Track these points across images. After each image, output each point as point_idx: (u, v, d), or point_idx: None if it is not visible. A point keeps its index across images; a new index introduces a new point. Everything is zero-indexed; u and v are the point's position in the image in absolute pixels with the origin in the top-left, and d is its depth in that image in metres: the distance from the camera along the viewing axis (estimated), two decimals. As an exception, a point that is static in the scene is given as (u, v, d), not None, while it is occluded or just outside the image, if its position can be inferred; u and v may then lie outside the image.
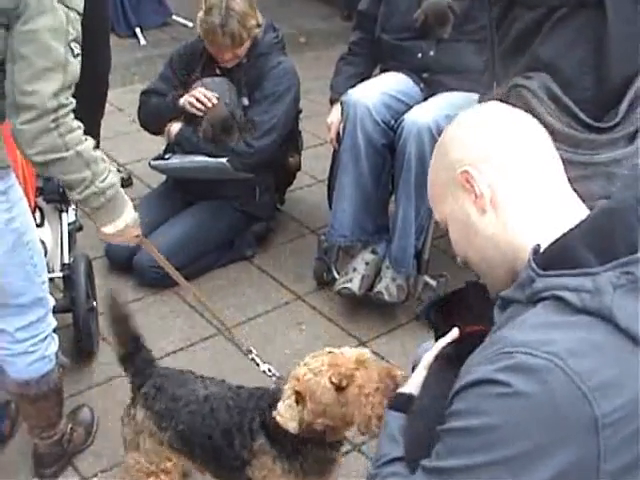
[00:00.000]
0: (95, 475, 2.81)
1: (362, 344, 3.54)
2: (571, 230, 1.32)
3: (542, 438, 1.17)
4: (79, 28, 2.06)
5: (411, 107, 3.46)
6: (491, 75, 2.38)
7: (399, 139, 3.36)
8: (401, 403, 1.67)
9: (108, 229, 2.38)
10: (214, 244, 4.00)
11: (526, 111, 1.47)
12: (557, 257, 1.29)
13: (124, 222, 2.39)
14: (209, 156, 3.82)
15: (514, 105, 1.56)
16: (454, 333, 1.70)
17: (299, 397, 2.00)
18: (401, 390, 1.72)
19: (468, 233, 1.48)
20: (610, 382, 1.17)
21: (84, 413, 3.00)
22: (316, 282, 3.95)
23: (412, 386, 1.69)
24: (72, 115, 2.10)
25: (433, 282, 3.63)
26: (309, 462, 2.15)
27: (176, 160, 3.91)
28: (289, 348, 3.51)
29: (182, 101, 3.82)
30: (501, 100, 2.02)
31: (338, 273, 3.79)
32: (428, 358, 1.69)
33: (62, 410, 2.78)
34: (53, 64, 2.01)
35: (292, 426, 2.00)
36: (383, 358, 3.44)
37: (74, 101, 2.10)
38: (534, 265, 1.30)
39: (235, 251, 4.11)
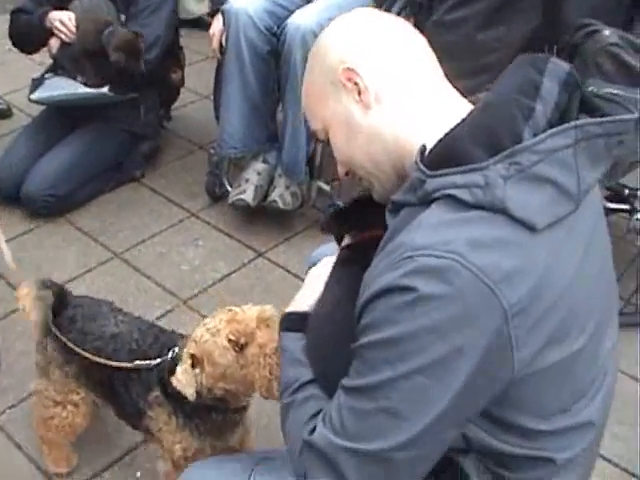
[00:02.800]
0: (3, 412, 2.77)
1: (260, 255, 3.57)
2: (455, 127, 1.32)
3: (456, 338, 1.19)
4: None
5: (293, 12, 3.41)
6: None
7: (283, 45, 3.32)
8: (295, 322, 1.62)
9: None
10: (102, 167, 3.92)
11: (618, 65, 1.45)
12: (444, 156, 1.29)
13: None
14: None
15: (603, 63, 1.55)
16: (347, 241, 1.68)
17: (196, 361, 1.90)
18: (290, 309, 1.67)
19: (352, 133, 1.46)
20: (513, 272, 1.19)
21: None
22: (209, 197, 3.93)
23: (303, 303, 1.66)
24: None
25: (327, 187, 3.67)
26: (207, 424, 2.08)
27: (56, 92, 3.78)
28: (187, 264, 3.52)
29: (48, 22, 3.71)
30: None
31: (230, 186, 3.78)
32: (320, 272, 1.68)
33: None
34: None
35: (189, 392, 1.90)
36: (282, 267, 3.49)
37: None
38: (422, 166, 1.30)
39: (124, 173, 4.05)
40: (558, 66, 1.35)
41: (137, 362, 2.08)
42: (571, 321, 1.29)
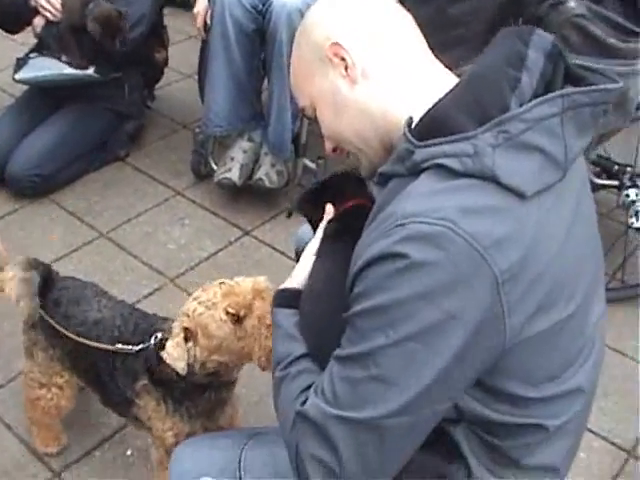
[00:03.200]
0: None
1: (246, 233, 3.58)
2: (443, 98, 1.33)
3: (447, 304, 1.19)
4: None
5: (279, -10, 3.40)
6: None
7: (269, 23, 3.30)
8: (288, 299, 1.61)
9: None
10: (87, 146, 3.91)
11: (584, 37, 1.44)
12: (433, 126, 1.30)
13: None
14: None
15: (569, 35, 1.53)
16: (330, 210, 1.69)
17: (189, 334, 1.89)
18: (283, 286, 1.65)
19: (339, 108, 1.47)
20: (503, 239, 1.20)
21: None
22: (194, 176, 3.93)
23: (297, 280, 1.64)
24: None
25: (312, 165, 3.67)
26: (197, 406, 2.07)
27: (41, 73, 3.75)
28: (173, 244, 3.52)
29: (33, 0, 3.67)
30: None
31: (216, 164, 3.77)
32: (311, 247, 1.66)
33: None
34: None
35: (180, 366, 1.88)
36: (269, 245, 3.50)
37: None
38: (410, 137, 1.30)
39: (108, 152, 4.04)
40: (542, 38, 1.36)
41: (119, 345, 2.08)
42: (560, 287, 1.30)
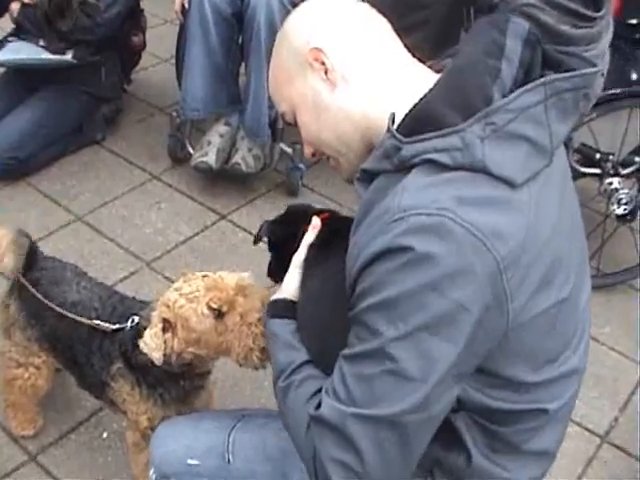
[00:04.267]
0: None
1: (222, 217, 3.59)
2: (427, 94, 1.34)
3: (455, 293, 1.21)
4: None
5: (258, -26, 3.40)
6: None
7: (247, 8, 3.31)
8: (282, 309, 1.62)
9: None
10: (64, 129, 3.90)
11: (536, 26, 1.44)
12: (419, 121, 1.31)
13: None
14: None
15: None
16: (316, 222, 1.68)
17: (168, 325, 1.88)
18: (275, 297, 1.65)
19: (320, 112, 1.47)
20: (501, 227, 1.22)
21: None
22: (171, 160, 3.92)
23: (287, 291, 1.64)
24: None
25: (289, 149, 3.68)
26: (171, 392, 2.07)
27: (18, 56, 3.73)
28: (150, 227, 3.53)
29: None
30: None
31: (193, 148, 3.77)
32: (298, 258, 1.66)
33: None
34: None
35: (156, 356, 1.87)
36: (245, 230, 3.51)
37: None
38: (396, 133, 1.31)
39: (84, 135, 4.02)
40: (518, 25, 1.38)
41: (98, 322, 2.08)
42: (556, 268, 1.33)
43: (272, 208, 3.57)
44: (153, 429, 2.05)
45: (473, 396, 1.37)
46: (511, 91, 1.29)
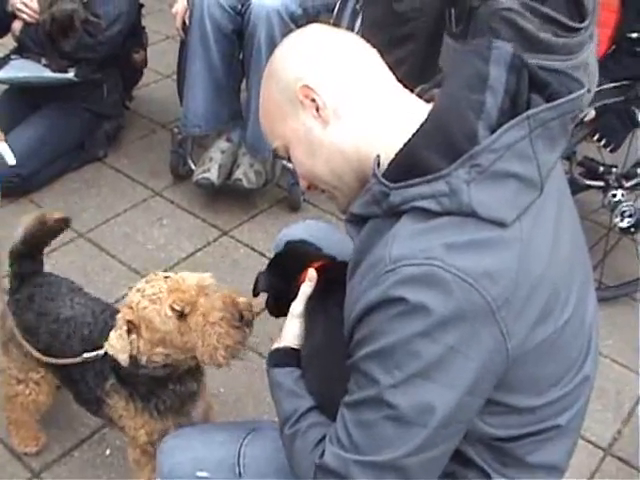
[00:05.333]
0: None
1: (224, 233, 3.59)
2: (413, 137, 1.33)
3: (447, 338, 1.22)
4: None
5: (258, -10, 3.41)
6: None
7: (248, 24, 3.32)
8: (283, 357, 1.63)
9: None
10: (65, 147, 3.91)
11: (515, 31, 1.43)
12: (405, 166, 1.31)
13: None
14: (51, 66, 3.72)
15: (499, 29, 1.51)
16: (311, 274, 1.69)
17: (132, 327, 1.89)
18: (276, 346, 1.67)
19: (313, 149, 1.46)
20: (491, 269, 1.23)
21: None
22: (172, 176, 3.93)
23: (287, 339, 1.66)
24: None
25: (290, 165, 3.63)
26: (166, 401, 2.08)
27: (21, 74, 3.75)
28: (152, 244, 3.52)
29: (10, 6, 3.68)
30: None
31: (194, 165, 3.78)
32: (297, 308, 1.67)
33: None
34: None
35: (122, 358, 1.89)
36: (247, 246, 3.51)
37: None
38: (382, 179, 1.31)
39: (87, 152, 4.03)
40: (501, 50, 1.37)
41: (85, 355, 2.08)
42: (554, 299, 1.33)
43: (274, 224, 3.58)
44: (153, 444, 2.07)
45: (479, 428, 1.37)
46: (498, 121, 1.29)
